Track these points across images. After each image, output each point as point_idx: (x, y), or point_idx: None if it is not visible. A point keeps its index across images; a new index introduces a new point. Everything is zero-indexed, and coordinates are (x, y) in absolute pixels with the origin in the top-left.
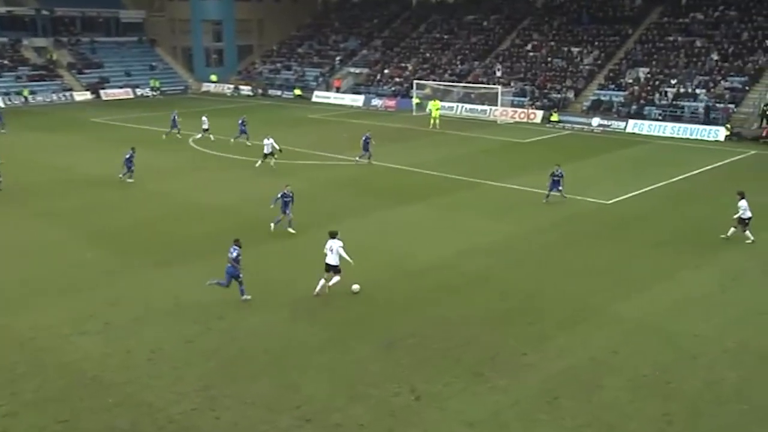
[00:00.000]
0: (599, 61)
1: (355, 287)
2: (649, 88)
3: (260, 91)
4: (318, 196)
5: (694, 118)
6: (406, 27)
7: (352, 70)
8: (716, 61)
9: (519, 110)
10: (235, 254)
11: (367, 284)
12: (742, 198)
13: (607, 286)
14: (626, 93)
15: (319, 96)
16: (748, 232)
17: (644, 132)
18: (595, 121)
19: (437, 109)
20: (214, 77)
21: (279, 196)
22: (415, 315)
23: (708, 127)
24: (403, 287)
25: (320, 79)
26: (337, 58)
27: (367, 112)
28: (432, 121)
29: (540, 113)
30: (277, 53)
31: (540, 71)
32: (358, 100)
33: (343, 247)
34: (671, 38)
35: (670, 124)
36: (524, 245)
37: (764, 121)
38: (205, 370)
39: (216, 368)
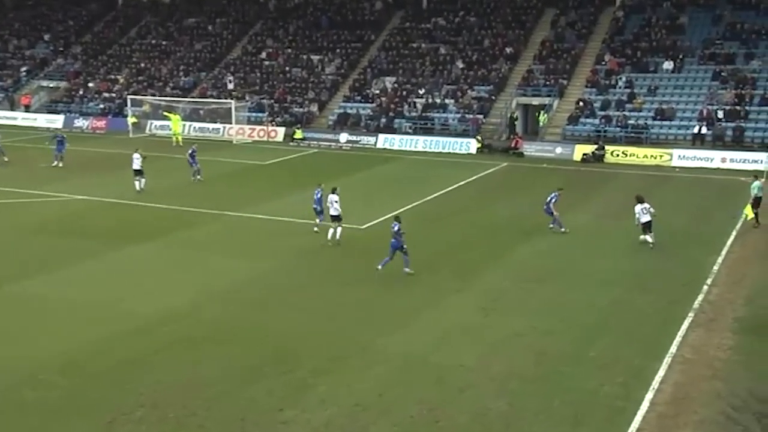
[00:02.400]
0: (342, 70)
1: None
2: (397, 99)
3: None
4: (9, 242)
5: (445, 131)
6: (113, 31)
7: (44, 83)
8: (462, 69)
9: (257, 127)
10: (396, 228)
11: (78, 350)
12: (639, 202)
13: (369, 322)
14: (374, 105)
15: (1, 116)
16: (648, 237)
17: (396, 147)
18: (343, 136)
19: (178, 124)
20: None
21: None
22: (143, 380)
23: (459, 140)
24: (127, 348)
25: (0, 95)
26: (23, 69)
27: (70, 135)
28: (175, 139)
29: (281, 130)
30: None
31: (278, 82)
32: (56, 120)
33: (338, 201)
34: (415, 45)
35: (421, 138)
36: (273, 284)
37: (512, 131)
38: None
39: None
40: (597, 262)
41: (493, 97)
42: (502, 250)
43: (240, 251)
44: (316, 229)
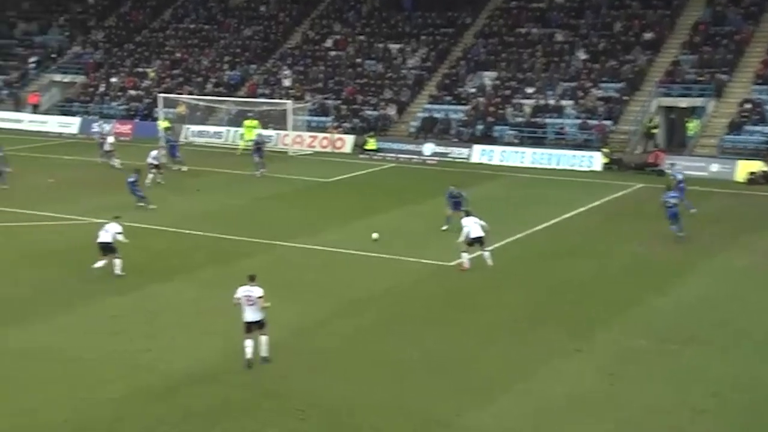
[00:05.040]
0: (429, 63)
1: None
2: (498, 100)
3: None
4: (7, 273)
5: (560, 141)
6: (142, 13)
7: (57, 78)
8: (584, 61)
9: (320, 135)
10: (671, 199)
11: (87, 417)
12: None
13: (453, 389)
14: (468, 108)
15: (3, 119)
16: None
17: (495, 162)
18: (428, 148)
19: (252, 129)
20: None
21: (448, 196)
22: None
23: (580, 153)
24: (148, 414)
25: (4, 92)
26: (32, 60)
27: (87, 142)
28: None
29: (350, 139)
30: None
31: (347, 78)
32: (71, 124)
33: (485, 224)
34: (524, 30)
35: (529, 150)
36: (329, 334)
37: (651, 142)
38: None
39: None
40: (763, 320)
41: (626, 98)
42: (633, 299)
43: (289, 292)
44: (444, 227)
